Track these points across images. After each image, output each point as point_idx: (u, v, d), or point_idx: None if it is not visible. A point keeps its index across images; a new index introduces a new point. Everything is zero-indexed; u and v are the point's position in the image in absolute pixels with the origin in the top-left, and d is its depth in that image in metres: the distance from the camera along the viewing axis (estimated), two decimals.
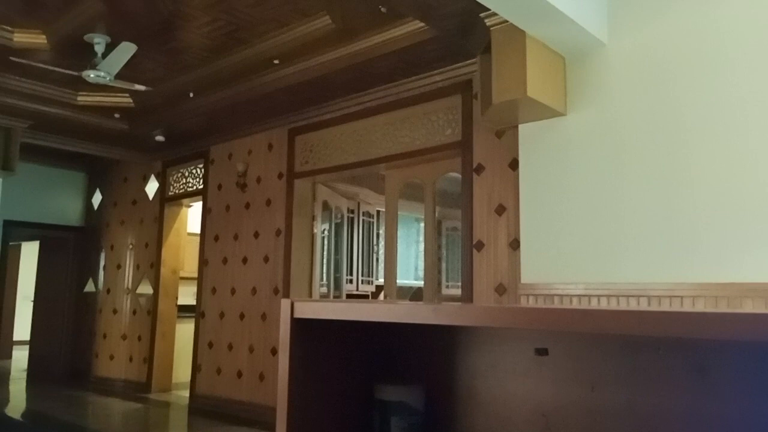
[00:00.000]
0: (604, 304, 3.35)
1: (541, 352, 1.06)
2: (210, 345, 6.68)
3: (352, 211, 7.65)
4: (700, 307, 3.04)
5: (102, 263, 8.50)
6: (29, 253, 10.88)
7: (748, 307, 2.90)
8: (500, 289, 4.34)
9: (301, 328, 1.07)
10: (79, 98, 6.07)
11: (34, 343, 9.07)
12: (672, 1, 3.37)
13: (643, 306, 3.20)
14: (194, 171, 7.38)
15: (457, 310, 0.91)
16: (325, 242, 6.71)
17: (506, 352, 1.13)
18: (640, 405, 0.94)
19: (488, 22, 3.63)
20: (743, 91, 3.10)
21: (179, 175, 7.60)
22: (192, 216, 7.99)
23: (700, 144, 3.19)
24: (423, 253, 5.48)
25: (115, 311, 8.16)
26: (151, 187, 7.43)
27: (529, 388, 1.08)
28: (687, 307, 3.04)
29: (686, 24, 3.32)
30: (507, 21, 3.43)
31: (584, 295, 3.46)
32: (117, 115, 6.52)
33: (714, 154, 3.15)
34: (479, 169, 4.58)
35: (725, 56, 3.18)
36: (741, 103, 3.10)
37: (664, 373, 0.93)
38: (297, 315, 1.06)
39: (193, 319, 7.02)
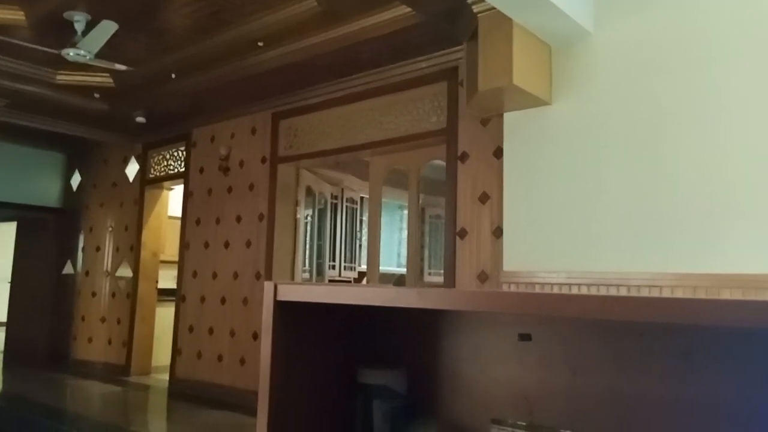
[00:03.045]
0: (584, 293, 3.39)
1: (525, 337, 1.07)
2: (190, 329, 6.64)
3: (336, 197, 7.63)
4: (679, 296, 3.08)
5: (81, 245, 8.40)
6: (6, 234, 10.71)
7: (726, 297, 2.95)
8: (482, 277, 4.37)
9: (284, 311, 1.06)
10: (58, 77, 5.96)
11: (11, 325, 8.95)
12: None
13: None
14: (176, 154, 7.30)
15: (440, 294, 0.91)
16: (308, 228, 6.69)
17: (489, 337, 1.13)
18: (622, 389, 0.95)
19: (475, 8, 3.62)
20: (725, 83, 3.13)
21: (160, 157, 7.51)
22: (173, 199, 7.91)
23: (682, 135, 3.22)
24: (406, 240, 5.48)
25: (94, 294, 8.07)
26: (132, 170, 7.32)
27: (512, 372, 1.08)
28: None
29: (671, 16, 3.33)
30: (494, 8, 3.42)
31: (565, 284, 3.49)
32: (97, 95, 6.41)
33: (695, 146, 3.18)
34: (464, 156, 4.58)
35: (709, 49, 3.20)
36: (722, 95, 3.13)
37: (647, 359, 0.94)
38: (280, 298, 1.05)
39: (174, 303, 6.97)
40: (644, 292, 3.18)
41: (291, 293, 1.05)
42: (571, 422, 0.99)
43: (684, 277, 3.09)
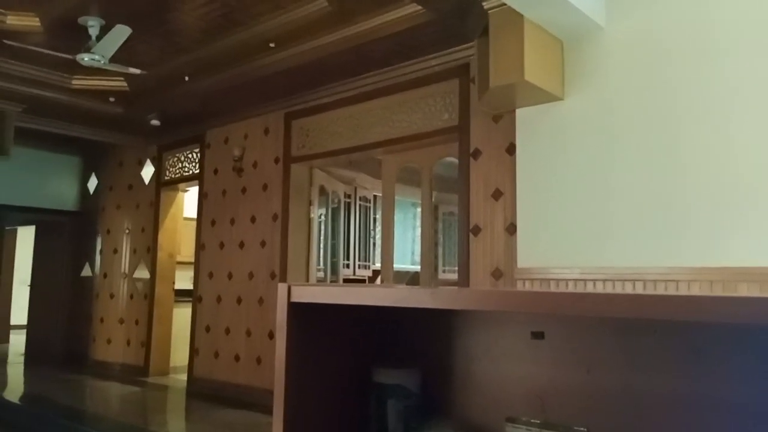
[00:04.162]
0: (599, 289, 3.37)
1: (538, 335, 1.07)
2: (207, 329, 6.70)
3: (349, 196, 7.64)
4: (696, 291, 3.06)
5: (98, 248, 8.49)
6: (25, 238, 10.86)
7: (743, 291, 2.92)
8: (497, 274, 4.36)
9: (298, 312, 1.07)
10: (73, 82, 6.03)
11: (31, 328, 9.08)
12: None
13: (639, 290, 3.22)
14: (190, 155, 7.35)
15: (453, 294, 0.91)
16: (322, 227, 6.71)
17: (503, 336, 1.13)
18: (636, 387, 0.95)
19: (486, 5, 3.61)
20: (738, 76, 3.09)
21: (175, 159, 7.57)
22: (188, 200, 7.98)
23: (695, 128, 3.19)
24: (420, 237, 5.48)
25: (112, 295, 8.16)
26: (147, 172, 7.39)
27: (526, 370, 1.08)
28: (682, 291, 3.06)
29: (682, 9, 3.30)
30: (504, 4, 3.41)
31: (580, 279, 3.47)
32: (112, 99, 6.48)
33: (709, 138, 3.15)
34: (476, 153, 4.57)
35: (721, 42, 3.16)
36: (735, 87, 3.09)
37: (660, 356, 0.93)
38: (294, 299, 1.06)
39: (191, 304, 7.03)
40: (660, 287, 3.16)
41: (304, 295, 1.06)
42: (584, 419, 0.99)
43: (700, 271, 3.06)
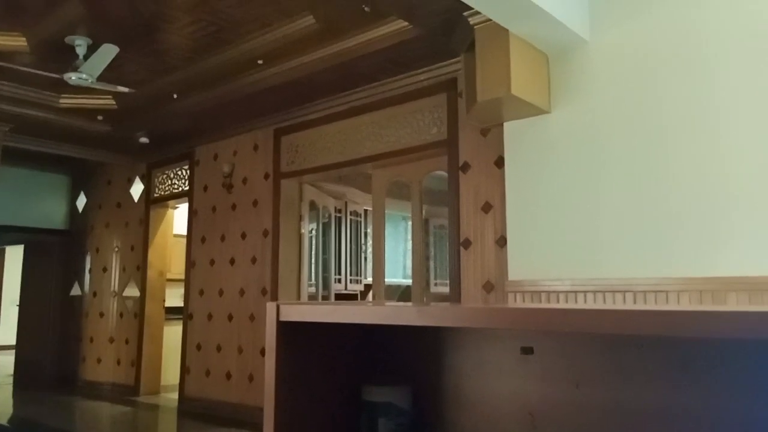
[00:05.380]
0: (590, 301, 3.38)
1: (527, 351, 1.07)
2: (198, 347, 6.64)
3: (340, 211, 7.65)
4: (685, 301, 3.07)
5: (88, 266, 8.43)
6: (14, 257, 10.78)
7: (732, 301, 2.94)
8: (488, 287, 4.36)
9: (288, 330, 1.07)
10: (61, 101, 6.01)
11: (20, 348, 8.98)
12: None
13: (629, 302, 3.24)
14: (179, 172, 7.34)
15: (441, 311, 0.91)
16: (313, 242, 6.70)
17: (492, 352, 1.13)
18: (625, 401, 0.95)
19: (471, 20, 3.64)
20: (723, 87, 3.13)
21: (164, 176, 7.55)
22: (178, 218, 7.95)
23: (682, 139, 3.23)
24: (411, 251, 5.48)
25: (101, 314, 8.09)
26: (136, 190, 7.37)
27: (515, 386, 1.08)
28: (672, 303, 3.08)
29: (667, 21, 3.35)
30: (490, 19, 3.44)
31: (571, 292, 3.48)
32: (100, 118, 6.46)
33: (695, 149, 3.18)
34: (465, 167, 4.59)
35: (705, 54, 3.21)
36: (720, 98, 3.13)
37: (648, 370, 0.94)
38: (283, 318, 1.06)
39: (181, 321, 6.98)
40: (650, 298, 3.18)
41: (293, 314, 1.06)
42: None
43: (689, 282, 3.08)
